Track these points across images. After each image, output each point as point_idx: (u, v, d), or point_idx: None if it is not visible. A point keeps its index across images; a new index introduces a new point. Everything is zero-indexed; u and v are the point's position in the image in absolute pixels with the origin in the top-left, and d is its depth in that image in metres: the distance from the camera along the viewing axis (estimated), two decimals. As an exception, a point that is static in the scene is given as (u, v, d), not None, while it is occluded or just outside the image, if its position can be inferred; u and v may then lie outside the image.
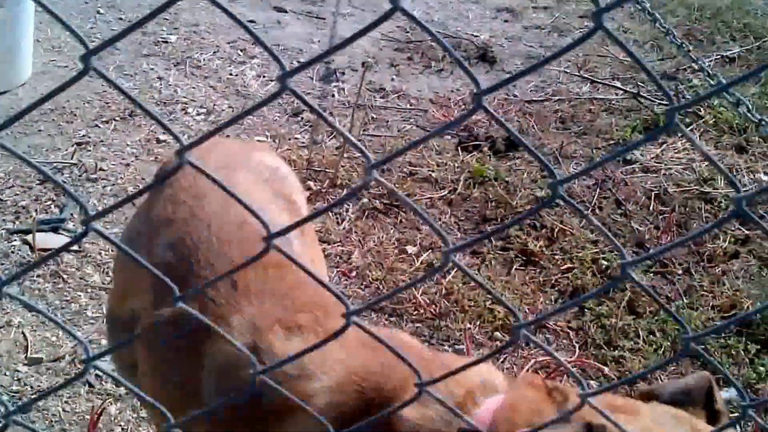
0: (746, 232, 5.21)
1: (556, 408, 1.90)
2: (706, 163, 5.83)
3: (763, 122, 4.52)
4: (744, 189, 5.55)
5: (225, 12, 1.02)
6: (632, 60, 6.02)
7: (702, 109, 6.22)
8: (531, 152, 0.99)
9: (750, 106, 4.84)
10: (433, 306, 4.54)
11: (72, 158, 5.37)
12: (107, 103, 5.96)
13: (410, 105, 6.45)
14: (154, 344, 2.53)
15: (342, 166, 5.42)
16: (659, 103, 6.52)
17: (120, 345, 2.80)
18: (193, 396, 2.33)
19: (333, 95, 6.47)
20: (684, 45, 5.67)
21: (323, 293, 2.33)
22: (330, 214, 5.10)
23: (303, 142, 5.82)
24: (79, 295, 4.43)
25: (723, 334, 4.44)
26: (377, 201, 5.24)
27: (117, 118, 5.81)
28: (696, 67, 6.57)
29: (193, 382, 2.36)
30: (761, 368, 4.25)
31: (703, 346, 4.34)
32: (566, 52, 1.05)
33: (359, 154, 5.64)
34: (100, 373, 3.91)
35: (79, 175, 5.25)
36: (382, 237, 5.01)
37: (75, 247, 4.65)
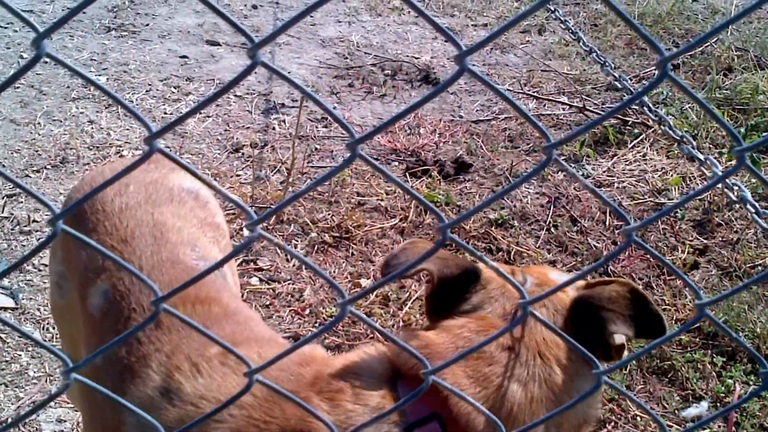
0: (705, 242, 5.11)
1: None
2: (659, 173, 5.74)
3: (684, 139, 4.42)
4: (698, 197, 5.47)
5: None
6: (576, 74, 5.91)
7: (650, 119, 6.12)
8: (425, 204, 0.88)
9: (672, 124, 4.77)
10: (391, 340, 4.35)
11: (3, 211, 5.12)
12: (37, 151, 5.74)
13: (355, 133, 6.28)
14: (88, 391, 2.43)
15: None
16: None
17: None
18: None
19: (274, 128, 6.29)
20: (606, 62, 5.59)
21: (247, 325, 2.36)
22: (278, 251, 4.91)
23: (246, 179, 5.62)
24: (20, 355, 4.20)
25: (688, 348, 4.32)
26: (326, 234, 5.05)
27: (48, 167, 5.58)
28: (640, 75, 6.48)
29: (116, 424, 2.24)
30: (729, 381, 4.12)
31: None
32: (434, 97, 0.95)
33: (303, 188, 5.46)
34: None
35: (12, 229, 5.01)
36: (334, 271, 4.82)
37: (12, 305, 4.44)
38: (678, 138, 4.52)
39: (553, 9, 6.12)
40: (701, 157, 4.13)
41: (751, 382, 4.13)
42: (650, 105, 5.00)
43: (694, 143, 4.43)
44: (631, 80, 6.96)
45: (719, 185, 4.45)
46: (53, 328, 4.29)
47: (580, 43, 5.66)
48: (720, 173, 3.97)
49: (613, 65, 6.11)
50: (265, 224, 5.13)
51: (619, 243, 5.08)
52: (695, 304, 1.25)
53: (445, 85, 1.04)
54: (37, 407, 1.32)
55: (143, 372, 2.20)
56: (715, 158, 5.27)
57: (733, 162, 5.62)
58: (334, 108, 6.65)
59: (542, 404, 1.86)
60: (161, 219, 2.62)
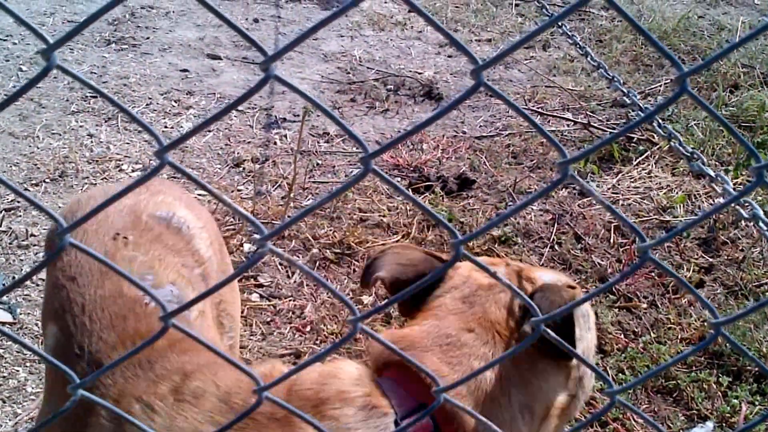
0: (710, 260, 5.05)
1: None
2: (664, 191, 5.69)
3: (695, 156, 4.37)
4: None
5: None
6: (580, 90, 5.85)
7: (655, 135, 6.08)
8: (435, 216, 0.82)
9: (682, 140, 4.72)
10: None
11: (1, 225, 5.07)
12: (36, 164, 5.69)
13: (356, 148, 6.23)
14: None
15: (288, 216, 5.18)
16: (611, 132, 6.38)
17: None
18: None
19: (275, 143, 6.25)
20: (615, 78, 5.53)
21: (195, 353, 2.22)
22: (279, 267, 4.86)
23: (246, 194, 5.58)
24: (18, 370, 4.15)
25: (694, 367, 4.26)
26: (328, 251, 5.00)
27: (47, 180, 5.54)
28: (646, 92, 6.42)
29: None
30: (735, 400, 4.07)
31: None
32: (449, 111, 0.93)
33: (313, 203, 5.41)
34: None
35: (10, 243, 4.96)
36: (336, 288, 4.75)
37: (10, 320, 4.39)
38: (688, 154, 4.47)
39: (559, 24, 6.06)
40: (712, 173, 4.07)
41: (757, 402, 4.08)
42: (660, 121, 4.94)
43: (704, 159, 4.38)
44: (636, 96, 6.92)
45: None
46: (51, 344, 4.24)
47: (588, 59, 5.60)
48: (731, 190, 3.91)
49: (619, 81, 6.06)
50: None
51: (623, 260, 5.03)
52: (711, 323, 1.24)
53: (462, 99, 1.04)
54: (39, 425, 1.29)
55: (92, 421, 2.08)
56: (722, 176, 5.21)
57: (740, 179, 5.57)
58: (337, 123, 6.59)
59: (511, 382, 1.92)
60: (112, 250, 2.49)
